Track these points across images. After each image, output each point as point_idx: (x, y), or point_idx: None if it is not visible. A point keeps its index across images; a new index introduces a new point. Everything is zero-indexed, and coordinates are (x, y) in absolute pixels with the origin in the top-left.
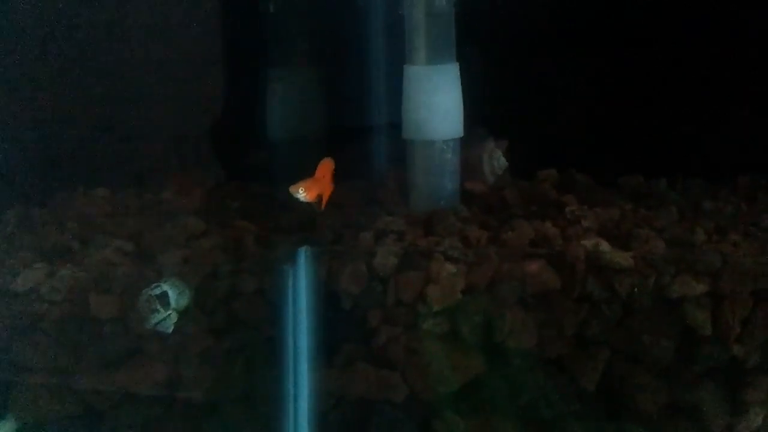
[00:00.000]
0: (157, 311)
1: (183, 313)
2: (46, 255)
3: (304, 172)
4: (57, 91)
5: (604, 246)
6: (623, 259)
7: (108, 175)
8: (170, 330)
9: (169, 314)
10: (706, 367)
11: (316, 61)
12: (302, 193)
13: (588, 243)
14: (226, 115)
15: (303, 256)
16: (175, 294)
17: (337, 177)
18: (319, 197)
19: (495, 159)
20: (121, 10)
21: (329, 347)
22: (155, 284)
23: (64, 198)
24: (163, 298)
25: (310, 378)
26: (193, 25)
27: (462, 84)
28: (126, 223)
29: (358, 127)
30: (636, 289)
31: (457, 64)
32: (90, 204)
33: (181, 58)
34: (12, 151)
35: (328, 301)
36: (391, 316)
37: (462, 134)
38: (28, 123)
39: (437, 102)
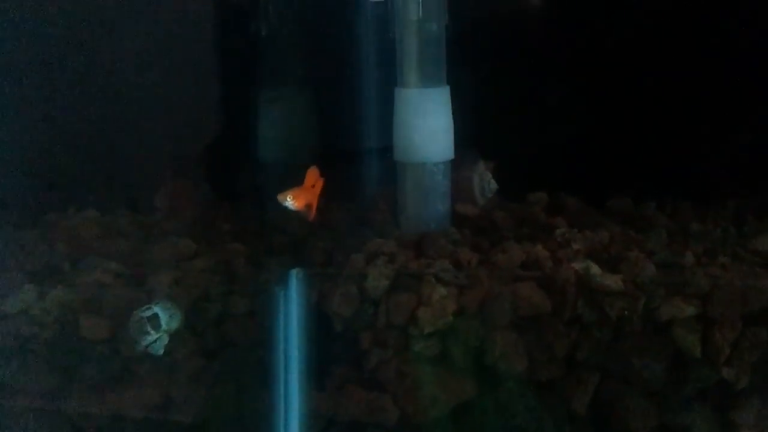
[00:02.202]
0: (148, 333)
1: (174, 335)
2: (36, 276)
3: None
4: (48, 112)
5: (594, 269)
6: (613, 281)
7: (99, 196)
8: (161, 352)
9: (160, 336)
10: (697, 390)
11: (308, 84)
12: (290, 201)
13: (578, 266)
14: (217, 137)
15: (294, 278)
16: (166, 316)
17: (325, 187)
18: (308, 206)
19: (485, 181)
20: (114, 33)
21: (320, 370)
22: (146, 306)
23: (54, 219)
24: (154, 320)
25: (301, 400)
26: (186, 47)
27: (452, 106)
28: (117, 244)
29: (350, 149)
30: (626, 312)
31: (448, 87)
32: (80, 225)
33: (174, 80)
34: (2, 172)
35: (319, 323)
36: (382, 339)
37: (452, 157)
38: (19, 144)
39: (428, 125)
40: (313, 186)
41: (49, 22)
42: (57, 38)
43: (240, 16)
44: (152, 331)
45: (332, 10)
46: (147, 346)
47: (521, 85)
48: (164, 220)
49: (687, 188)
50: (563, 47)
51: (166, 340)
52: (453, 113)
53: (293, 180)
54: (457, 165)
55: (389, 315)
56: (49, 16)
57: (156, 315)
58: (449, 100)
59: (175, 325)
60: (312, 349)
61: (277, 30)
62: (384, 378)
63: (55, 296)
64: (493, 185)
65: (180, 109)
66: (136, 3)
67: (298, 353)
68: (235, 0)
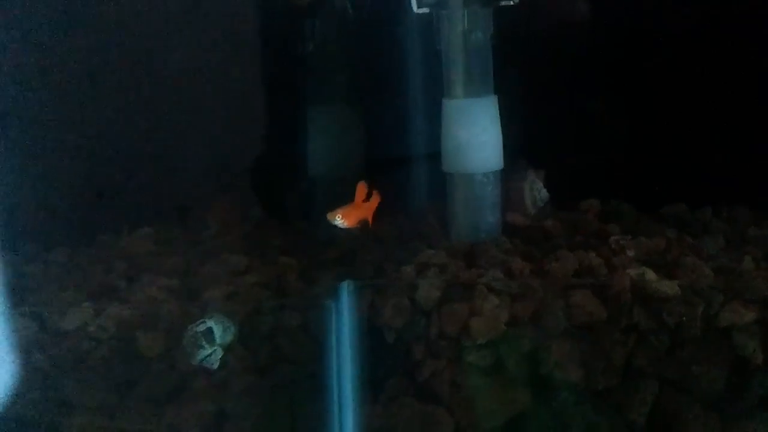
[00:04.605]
0: (203, 347)
1: (228, 349)
2: (93, 294)
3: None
4: (103, 132)
5: (650, 275)
6: (670, 288)
7: (152, 213)
8: (215, 366)
9: (215, 350)
10: (758, 397)
11: (354, 98)
12: (340, 219)
13: (633, 272)
14: (266, 153)
15: (345, 290)
16: (219, 330)
17: (382, 200)
18: (360, 222)
19: (536, 190)
20: (164, 51)
21: (373, 382)
22: (200, 321)
23: (110, 237)
24: (208, 334)
25: (355, 413)
26: (233, 65)
27: (501, 116)
28: (171, 261)
29: (398, 161)
30: (684, 319)
31: (496, 96)
32: (136, 243)
33: (222, 98)
34: (61, 193)
35: (371, 335)
36: (435, 350)
37: (502, 166)
38: (75, 164)
39: (476, 135)
40: (365, 201)
41: (99, 40)
42: (109, 56)
43: (286, 33)
44: (207, 345)
45: (377, 23)
46: (202, 360)
47: (571, 93)
48: (216, 236)
49: (743, 193)
50: (613, 54)
51: (220, 353)
52: (502, 122)
53: (342, 194)
54: (507, 175)
55: (441, 326)
56: (99, 34)
57: (210, 329)
58: (497, 110)
59: (228, 338)
60: (364, 362)
61: (323, 45)
62: (438, 389)
63: (111, 313)
64: (544, 194)
65: (230, 125)
66: (186, 22)
67: (350, 366)
68: (281, 17)
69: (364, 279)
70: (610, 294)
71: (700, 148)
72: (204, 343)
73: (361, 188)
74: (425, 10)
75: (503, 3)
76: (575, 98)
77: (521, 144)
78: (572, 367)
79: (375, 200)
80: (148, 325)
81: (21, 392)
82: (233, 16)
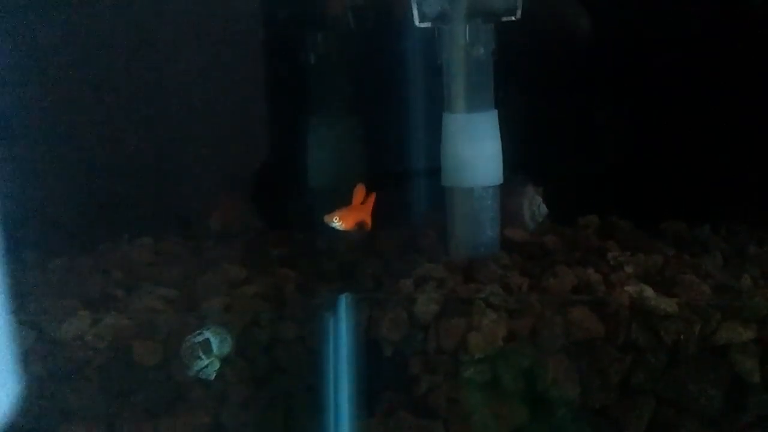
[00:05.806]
0: (200, 358)
1: (224, 361)
2: (91, 303)
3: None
4: (104, 141)
5: (648, 292)
6: (668, 305)
7: (152, 223)
8: (212, 377)
9: (212, 361)
10: (756, 416)
11: (356, 110)
12: (337, 221)
13: (632, 289)
14: (266, 163)
15: (343, 303)
16: (216, 341)
17: (376, 203)
18: (359, 225)
19: (535, 206)
20: (166, 59)
21: (370, 395)
22: (198, 331)
23: (109, 247)
24: (206, 345)
25: (351, 426)
26: (235, 75)
27: (501, 130)
28: (169, 270)
29: (398, 175)
30: (681, 336)
31: (496, 111)
32: (134, 252)
33: (223, 108)
34: (61, 201)
35: (368, 348)
36: (432, 364)
37: (501, 181)
38: (77, 173)
39: (476, 149)
40: (363, 203)
41: (101, 50)
42: (111, 66)
43: (288, 44)
44: (203, 357)
45: (379, 37)
46: (199, 371)
47: (571, 108)
48: (215, 247)
49: (742, 210)
50: (613, 70)
51: (217, 365)
52: (502, 137)
53: (342, 205)
54: (506, 189)
55: (439, 340)
56: (100, 44)
57: (207, 340)
58: (497, 125)
59: (225, 350)
60: (361, 375)
61: (324, 58)
62: (434, 404)
63: (108, 322)
64: (543, 209)
65: (230, 136)
66: (188, 30)
67: (347, 378)
68: (283, 27)
69: (362, 292)
70: (608, 311)
71: (699, 165)
72: (201, 354)
73: (360, 190)
74: (427, 24)
75: (504, 18)
76: (575, 114)
77: (521, 159)
78: (569, 384)
79: (371, 200)
80: (145, 335)
81: (18, 401)
82: (235, 27)
